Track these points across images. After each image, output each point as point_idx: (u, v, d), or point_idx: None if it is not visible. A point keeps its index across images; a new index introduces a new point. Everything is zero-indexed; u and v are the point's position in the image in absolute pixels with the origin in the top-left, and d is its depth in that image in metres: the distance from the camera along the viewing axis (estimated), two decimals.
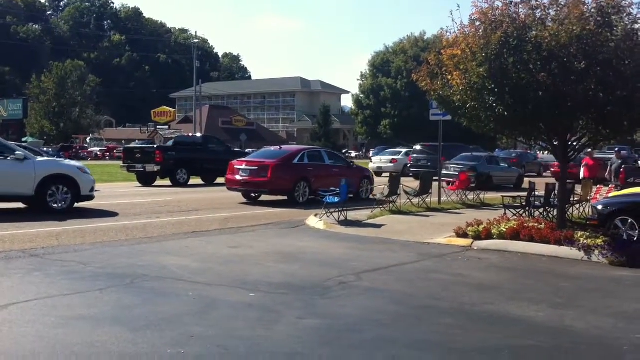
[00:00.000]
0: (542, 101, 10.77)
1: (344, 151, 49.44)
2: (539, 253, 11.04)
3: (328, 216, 14.57)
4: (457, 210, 17.44)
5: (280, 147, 21.87)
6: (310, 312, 7.08)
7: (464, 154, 32.09)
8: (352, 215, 15.08)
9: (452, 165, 28.40)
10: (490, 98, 11.17)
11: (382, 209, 16.25)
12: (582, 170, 20.50)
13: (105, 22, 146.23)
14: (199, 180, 28.01)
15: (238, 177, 18.98)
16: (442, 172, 27.56)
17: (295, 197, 18.70)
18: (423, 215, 16.13)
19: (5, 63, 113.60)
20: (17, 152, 14.94)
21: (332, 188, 15.59)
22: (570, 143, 12.49)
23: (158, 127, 68.18)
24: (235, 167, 19.33)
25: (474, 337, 6.25)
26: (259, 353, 5.70)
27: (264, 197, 19.88)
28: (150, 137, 61.01)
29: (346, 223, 14.24)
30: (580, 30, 10.23)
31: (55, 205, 15.00)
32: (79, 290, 7.84)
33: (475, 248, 11.62)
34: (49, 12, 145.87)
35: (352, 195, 18.01)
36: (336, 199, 14.76)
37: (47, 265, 9.35)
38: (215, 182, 28.26)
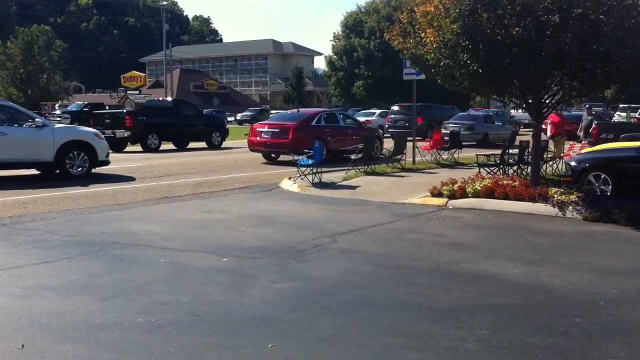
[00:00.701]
0: (517, 57, 10.62)
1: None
2: (514, 210, 11.01)
3: (302, 179, 14.40)
4: (431, 170, 17.39)
5: (298, 110, 23.28)
6: (284, 276, 6.95)
7: (460, 114, 33.14)
8: (327, 177, 14.93)
9: (450, 125, 29.21)
10: (464, 55, 11.00)
11: (357, 170, 16.12)
12: (548, 127, 20.32)
13: None
14: (170, 145, 27.62)
15: (260, 139, 20.18)
16: (442, 131, 28.35)
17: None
18: (398, 176, 16.05)
19: None
20: (36, 120, 15.25)
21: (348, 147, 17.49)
22: (544, 100, 12.40)
23: (128, 92, 66.85)
24: (257, 129, 20.58)
25: (450, 296, 6.17)
26: (231, 318, 5.57)
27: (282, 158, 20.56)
28: (121, 102, 59.84)
29: (320, 185, 14.09)
30: None
31: (74, 171, 15.35)
32: (47, 260, 7.62)
33: (450, 207, 11.57)
34: None
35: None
36: (310, 161, 14.57)
37: (13, 234, 9.10)
38: (188, 146, 27.97)
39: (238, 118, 65.17)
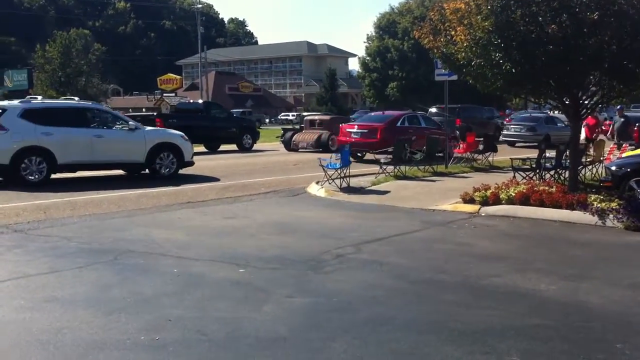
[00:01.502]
0: (552, 56, 10.06)
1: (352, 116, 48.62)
2: (550, 218, 10.42)
3: (330, 183, 13.99)
4: (464, 174, 16.81)
5: (383, 112, 24.95)
6: (301, 290, 6.55)
7: (522, 115, 33.15)
8: (355, 181, 14.51)
9: (512, 126, 30.04)
10: (497, 54, 10.45)
11: (387, 174, 15.65)
12: (582, 130, 19.21)
13: None
14: (201, 148, 27.41)
15: (349, 139, 21.50)
16: (503, 132, 28.52)
17: (401, 155, 20.01)
18: (429, 180, 15.51)
19: (10, 34, 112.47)
20: (130, 123, 16.15)
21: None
22: (581, 101, 11.78)
23: (164, 94, 67.26)
24: (347, 130, 22.53)
25: (477, 316, 5.69)
26: (241, 338, 5.19)
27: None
28: (157, 104, 60.23)
29: (348, 190, 13.66)
30: None
31: (164, 171, 16.15)
32: (57, 269, 7.35)
33: (483, 214, 11.03)
34: None
35: (441, 154, 19.52)
36: (337, 165, 14.15)
37: (29, 241, 8.89)
38: (219, 149, 27.75)
39: None
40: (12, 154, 14.10)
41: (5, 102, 16.06)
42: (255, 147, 28.88)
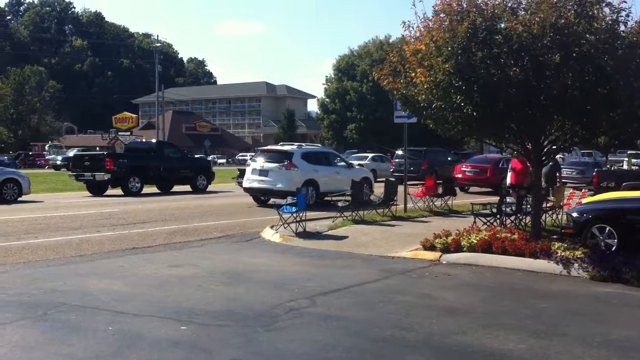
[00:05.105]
0: (514, 99, 9.76)
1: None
2: (513, 267, 10.02)
3: (285, 227, 13.41)
4: (423, 219, 16.39)
5: (486, 157, 31.21)
6: (249, 351, 5.91)
7: (572, 160, 35.20)
8: (312, 225, 13.95)
9: (563, 169, 31.82)
10: (458, 97, 10.11)
11: (345, 218, 15.14)
12: (509, 175, 17.45)
13: (67, 27, 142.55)
14: (154, 189, 26.52)
15: (464, 176, 27.56)
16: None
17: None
18: (388, 225, 15.03)
19: None
20: (349, 163, 22.34)
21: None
22: (543, 146, 11.51)
23: (119, 133, 66.09)
24: (462, 169, 28.22)
25: None
26: None
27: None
28: (111, 143, 59.00)
29: (304, 235, 13.09)
30: (556, 18, 9.23)
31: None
32: None
33: (444, 262, 10.56)
34: (8, 17, 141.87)
35: None
36: (293, 209, 13.58)
37: None
38: (172, 190, 26.87)
39: None
40: (300, 184, 18.33)
41: (287, 147, 20.99)
42: (211, 188, 28.10)
